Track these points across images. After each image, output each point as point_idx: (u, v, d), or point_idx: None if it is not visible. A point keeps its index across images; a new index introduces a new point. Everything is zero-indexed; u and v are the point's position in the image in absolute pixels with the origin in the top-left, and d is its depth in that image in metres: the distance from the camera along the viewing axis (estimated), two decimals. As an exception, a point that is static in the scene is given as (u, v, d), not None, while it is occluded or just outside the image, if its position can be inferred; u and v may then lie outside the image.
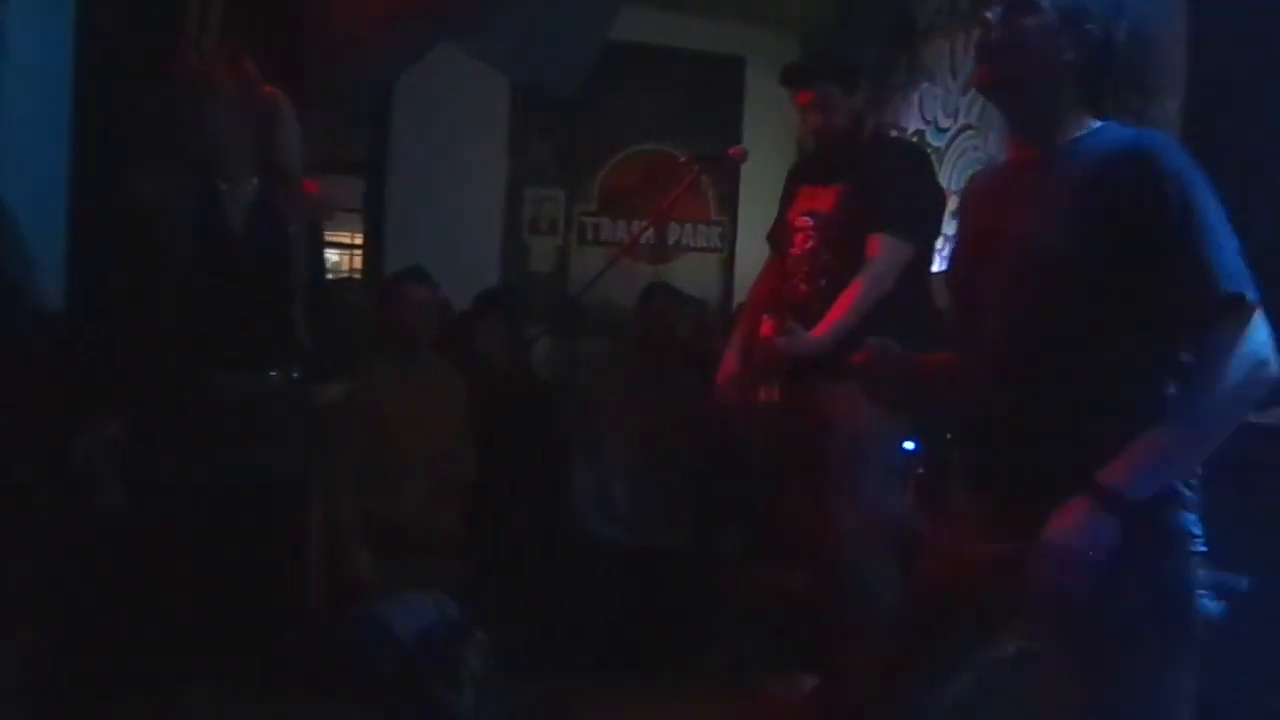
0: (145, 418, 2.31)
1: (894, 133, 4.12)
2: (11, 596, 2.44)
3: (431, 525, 3.05)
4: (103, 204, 2.63)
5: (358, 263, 4.86)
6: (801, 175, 3.03)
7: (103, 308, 2.45)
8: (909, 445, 2.87)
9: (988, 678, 2.10)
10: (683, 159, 4.26)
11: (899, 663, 1.58)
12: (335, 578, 2.85)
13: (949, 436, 2.39)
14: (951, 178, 3.90)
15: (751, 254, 4.13)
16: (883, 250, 2.68)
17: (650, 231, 4.40)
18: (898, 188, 2.73)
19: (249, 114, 2.29)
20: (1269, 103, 2.79)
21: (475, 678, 2.60)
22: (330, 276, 4.63)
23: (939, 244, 2.97)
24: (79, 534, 2.41)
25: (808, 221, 2.87)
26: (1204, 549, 1.46)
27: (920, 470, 2.89)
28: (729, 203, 4.93)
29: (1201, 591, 1.45)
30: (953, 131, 4.02)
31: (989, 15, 1.49)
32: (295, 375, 2.38)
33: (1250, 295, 1.36)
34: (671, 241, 4.87)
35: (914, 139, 4.11)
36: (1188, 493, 1.45)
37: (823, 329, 2.65)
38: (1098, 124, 1.50)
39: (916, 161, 2.98)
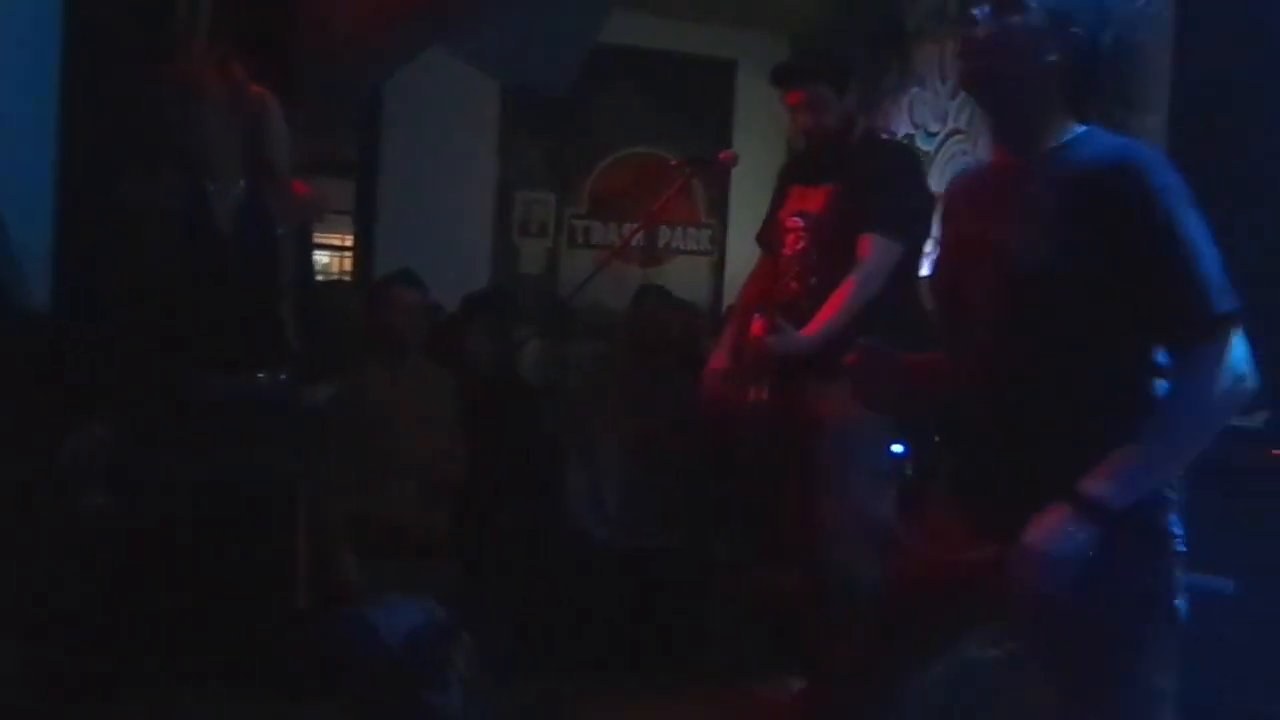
0: (132, 419, 2.30)
1: (884, 136, 4.13)
2: (2, 598, 2.43)
3: (422, 526, 3.04)
4: (90, 205, 2.62)
5: (348, 265, 4.84)
6: (792, 175, 3.03)
7: (90, 309, 2.44)
8: (897, 448, 2.88)
9: (979, 679, 2.11)
10: (673, 162, 4.26)
11: (876, 661, 1.59)
12: (322, 580, 2.85)
13: (937, 439, 2.40)
14: (941, 183, 3.91)
15: (742, 257, 4.13)
16: (873, 250, 2.69)
17: (640, 234, 4.40)
18: (888, 188, 2.74)
19: (237, 115, 2.30)
20: (1255, 115, 2.81)
21: (462, 680, 2.60)
22: (320, 278, 4.63)
23: (928, 245, 2.98)
24: (65, 535, 2.40)
25: (798, 222, 2.87)
26: (1184, 549, 1.47)
27: (909, 472, 2.90)
28: (719, 206, 4.93)
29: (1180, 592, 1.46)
30: (942, 136, 4.03)
31: (974, 13, 1.49)
32: (283, 377, 2.38)
33: (1234, 310, 1.38)
34: (662, 244, 4.87)
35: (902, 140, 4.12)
36: (1169, 494, 1.46)
37: (813, 328, 2.65)
38: (1081, 129, 1.50)
39: (907, 162, 2.99)
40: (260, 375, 2.36)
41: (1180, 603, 1.45)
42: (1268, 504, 2.39)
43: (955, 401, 1.57)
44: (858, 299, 2.64)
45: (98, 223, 2.47)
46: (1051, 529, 1.37)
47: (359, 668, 2.61)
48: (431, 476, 3.09)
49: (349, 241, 4.72)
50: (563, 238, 4.79)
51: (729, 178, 4.68)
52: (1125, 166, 1.41)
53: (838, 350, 1.79)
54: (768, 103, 3.94)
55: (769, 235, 3.02)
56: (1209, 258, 1.39)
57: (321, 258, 4.76)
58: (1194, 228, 1.39)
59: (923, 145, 4.09)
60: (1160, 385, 1.46)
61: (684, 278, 4.72)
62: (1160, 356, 1.46)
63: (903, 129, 4.22)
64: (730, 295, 4.27)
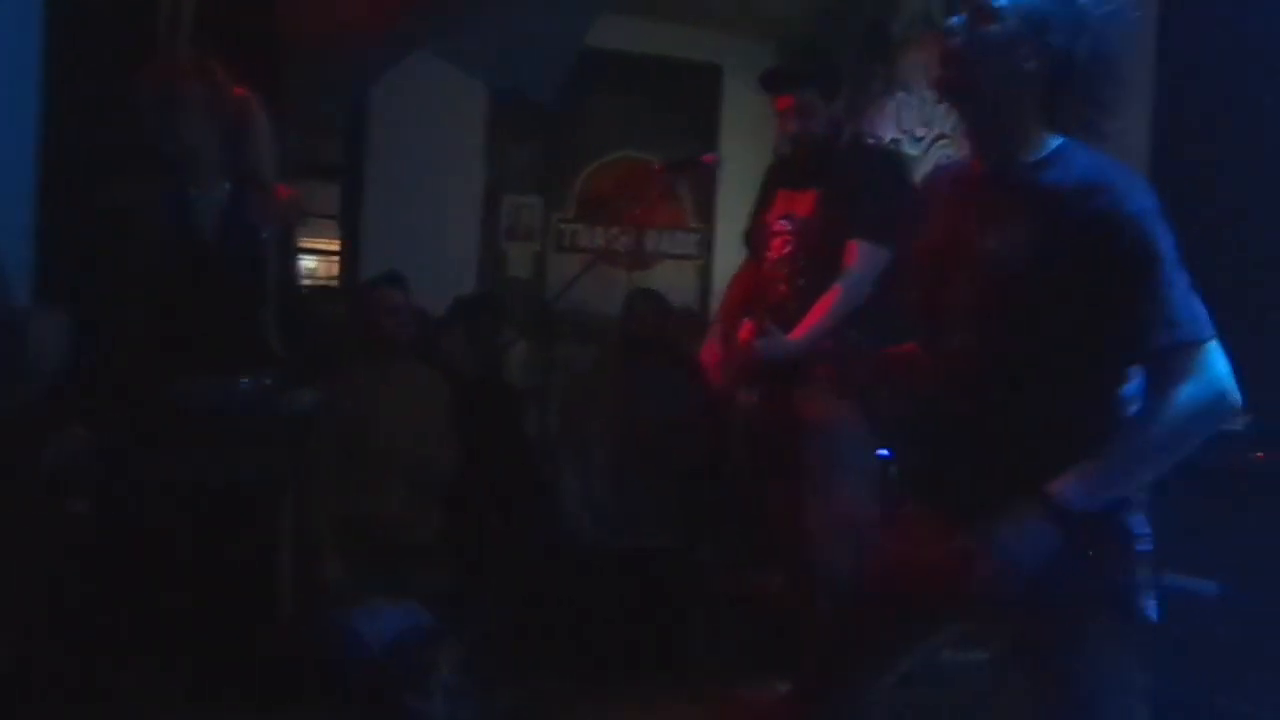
0: (115, 424, 2.29)
1: (870, 141, 4.14)
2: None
3: (410, 528, 3.04)
4: (71, 208, 2.60)
5: (334, 269, 4.83)
6: (778, 179, 3.04)
7: (71, 312, 2.42)
8: (884, 450, 2.88)
9: (960, 680, 2.11)
10: (656, 167, 4.26)
11: (854, 660, 1.60)
12: (308, 584, 2.83)
13: (911, 441, 2.41)
14: (926, 187, 3.92)
15: (729, 262, 4.13)
16: (860, 257, 2.71)
17: (626, 238, 4.40)
18: (875, 194, 2.75)
19: (219, 118, 2.28)
20: (1237, 118, 2.83)
21: (446, 685, 2.59)
22: (306, 282, 4.60)
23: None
24: (46, 539, 2.38)
25: (785, 225, 2.88)
26: (1149, 548, 1.48)
27: (895, 473, 2.90)
28: (706, 211, 4.94)
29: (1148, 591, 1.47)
30: (928, 141, 4.04)
31: (951, 22, 1.50)
32: (267, 381, 2.37)
33: (1202, 336, 1.40)
34: (649, 248, 4.87)
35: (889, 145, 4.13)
36: (1134, 493, 1.48)
37: (800, 333, 2.67)
38: (1058, 141, 1.50)
39: (894, 167, 3.01)
40: (243, 380, 2.34)
41: (1148, 601, 1.47)
42: (1251, 507, 2.40)
43: (928, 403, 1.59)
44: (845, 305, 2.66)
45: (78, 226, 2.45)
46: (1016, 526, 1.40)
47: (342, 672, 2.59)
48: (420, 479, 3.08)
49: (335, 246, 4.70)
50: (550, 241, 4.78)
51: (716, 182, 4.69)
52: (1102, 189, 1.42)
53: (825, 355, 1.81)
54: (754, 107, 3.95)
55: (755, 237, 3.03)
56: (1180, 285, 1.41)
57: (307, 262, 4.74)
58: (1168, 253, 1.41)
59: (909, 150, 4.10)
60: (1132, 397, 1.48)
61: (672, 282, 4.73)
62: (1132, 371, 1.48)
63: (889, 134, 4.23)
64: (717, 299, 4.28)
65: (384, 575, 2.88)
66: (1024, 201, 1.47)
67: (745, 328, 2.81)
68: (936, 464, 1.60)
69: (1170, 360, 1.39)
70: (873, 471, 2.80)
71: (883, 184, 2.81)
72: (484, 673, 2.71)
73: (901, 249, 2.81)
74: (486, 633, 2.83)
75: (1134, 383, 1.49)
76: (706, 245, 4.97)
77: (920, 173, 3.99)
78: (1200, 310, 1.42)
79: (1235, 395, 1.41)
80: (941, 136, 3.96)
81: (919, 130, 4.10)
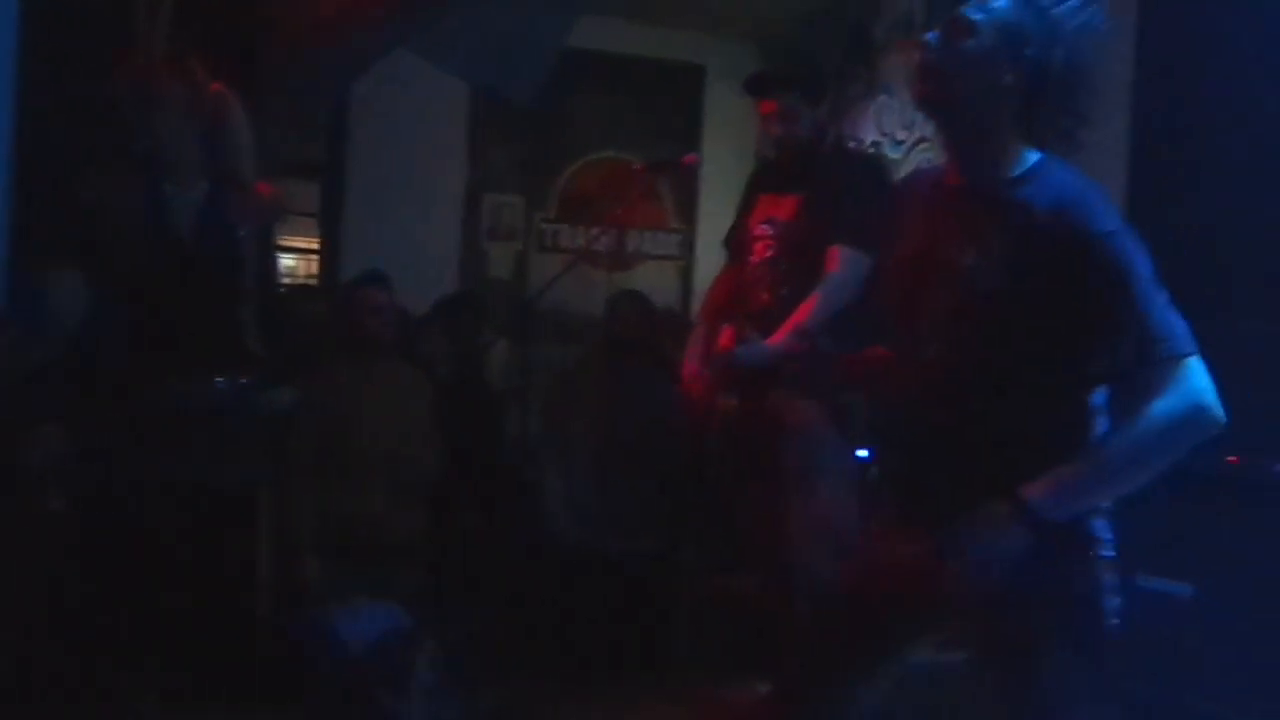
0: (90, 424, 2.27)
1: (851, 144, 4.16)
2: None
3: (391, 529, 3.03)
4: (46, 206, 2.57)
5: (314, 268, 4.80)
6: (761, 183, 3.04)
7: (46, 311, 2.40)
8: (863, 453, 2.90)
9: (936, 683, 2.13)
10: (637, 167, 4.26)
11: (827, 661, 1.61)
12: (287, 584, 2.82)
13: (883, 445, 2.42)
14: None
15: (711, 263, 4.13)
16: (841, 262, 2.71)
17: (607, 238, 4.40)
18: (857, 199, 2.76)
19: (197, 115, 2.26)
20: (1216, 125, 2.86)
21: (424, 685, 2.58)
22: (286, 281, 4.58)
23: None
24: (21, 539, 2.36)
25: (767, 230, 2.89)
26: (1113, 554, 1.50)
27: (876, 475, 2.92)
28: (688, 211, 4.94)
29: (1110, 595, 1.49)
30: (909, 144, 4.06)
31: (928, 37, 1.51)
32: (243, 381, 2.35)
33: (1180, 351, 1.40)
34: (631, 249, 4.87)
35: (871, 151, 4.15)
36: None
37: (780, 338, 2.67)
38: (1035, 157, 1.51)
39: (875, 172, 3.01)
40: (220, 379, 2.33)
41: (1111, 605, 1.48)
42: (1224, 510, 2.42)
43: (903, 410, 1.60)
44: (826, 311, 2.66)
45: (53, 225, 2.43)
46: (984, 527, 1.41)
47: (319, 673, 2.58)
48: (402, 478, 3.07)
49: (315, 244, 4.67)
50: (532, 241, 4.78)
51: (698, 183, 4.70)
52: (1076, 207, 1.44)
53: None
54: (736, 109, 3.96)
55: (736, 241, 3.03)
56: (1158, 302, 1.42)
57: (287, 260, 4.71)
58: (1144, 270, 1.42)
59: (890, 153, 4.12)
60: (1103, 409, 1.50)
61: (653, 282, 4.73)
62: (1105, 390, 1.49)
63: (870, 137, 4.24)
64: (699, 300, 4.28)
65: (366, 575, 2.87)
66: (1000, 217, 1.48)
67: (725, 334, 2.82)
68: (912, 472, 1.61)
69: (1148, 376, 1.40)
70: (851, 474, 2.81)
71: (864, 189, 2.82)
72: (465, 673, 2.71)
73: (883, 255, 2.83)
74: (468, 633, 2.83)
75: (1103, 394, 1.50)
76: (688, 246, 4.97)
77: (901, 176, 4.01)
78: (1179, 325, 1.43)
79: (1215, 411, 1.41)
80: (922, 140, 3.98)
81: (900, 134, 4.11)
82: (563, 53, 3.85)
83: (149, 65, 2.33)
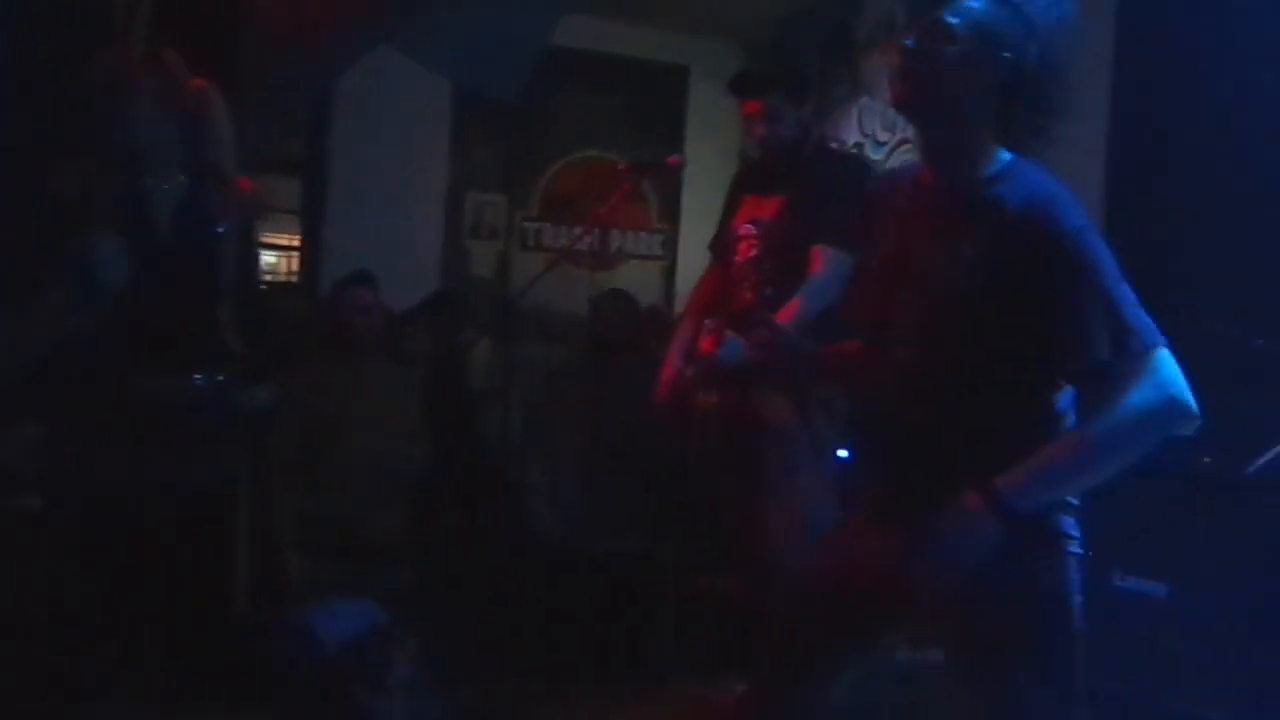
0: (66, 421, 2.25)
1: (835, 146, 4.17)
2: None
3: (375, 527, 3.02)
4: (23, 200, 2.55)
5: (295, 265, 4.77)
6: (745, 184, 3.05)
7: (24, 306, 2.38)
8: (843, 454, 2.91)
9: (914, 681, 2.14)
10: (621, 167, 4.26)
11: (800, 659, 1.61)
12: (266, 582, 2.81)
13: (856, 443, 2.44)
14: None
15: (694, 263, 4.15)
16: (825, 262, 2.72)
17: (589, 238, 4.40)
18: (840, 200, 2.76)
19: (176, 109, 2.25)
20: (1194, 127, 2.88)
21: (403, 684, 2.57)
22: (266, 278, 4.56)
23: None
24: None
25: (750, 230, 2.89)
26: (1081, 551, 1.51)
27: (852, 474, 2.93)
28: (671, 211, 4.95)
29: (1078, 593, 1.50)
30: (891, 145, 4.08)
31: (906, 42, 1.51)
32: (223, 379, 2.34)
33: (1150, 343, 1.42)
34: (614, 249, 4.87)
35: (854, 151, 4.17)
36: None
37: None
38: (1008, 157, 1.53)
39: (858, 173, 3.02)
40: (198, 376, 2.32)
41: (1078, 602, 1.49)
42: (1200, 509, 2.45)
43: (874, 405, 1.61)
44: (808, 311, 2.66)
45: (29, 219, 2.41)
46: (956, 519, 1.42)
47: (297, 672, 2.57)
48: (386, 477, 3.07)
49: (296, 241, 4.65)
50: (514, 240, 4.77)
51: (681, 183, 4.70)
52: (1045, 205, 1.45)
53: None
54: (720, 109, 3.97)
55: (721, 242, 3.04)
56: (1126, 297, 1.43)
57: (267, 257, 4.68)
58: (1110, 267, 1.44)
59: (872, 154, 4.13)
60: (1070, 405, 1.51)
61: (636, 282, 4.73)
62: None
63: (852, 138, 4.26)
64: (683, 300, 4.29)
65: (348, 574, 2.86)
66: (973, 217, 1.50)
67: (705, 337, 2.82)
68: (886, 468, 1.62)
69: (1117, 369, 1.41)
70: (830, 473, 2.82)
71: (848, 190, 2.82)
72: (448, 672, 2.70)
73: (861, 255, 2.84)
74: (451, 632, 2.82)
75: (1070, 393, 1.52)
76: (671, 246, 4.98)
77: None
78: (1146, 320, 1.44)
79: (1187, 401, 1.42)
80: (904, 142, 3.99)
81: (881, 134, 4.13)
82: (546, 51, 3.85)
83: (127, 58, 2.31)
